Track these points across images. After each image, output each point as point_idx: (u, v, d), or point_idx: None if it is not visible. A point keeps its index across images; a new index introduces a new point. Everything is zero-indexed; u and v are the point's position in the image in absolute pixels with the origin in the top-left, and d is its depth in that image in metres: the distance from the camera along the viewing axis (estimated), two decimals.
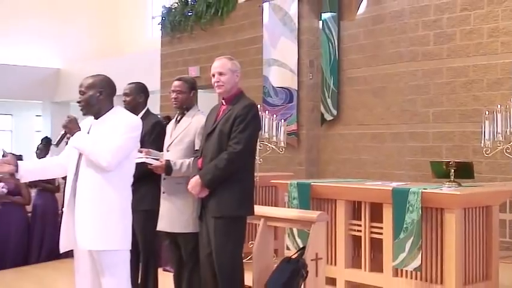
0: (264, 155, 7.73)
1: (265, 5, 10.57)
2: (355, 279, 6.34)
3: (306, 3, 10.07)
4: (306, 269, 5.07)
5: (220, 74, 4.59)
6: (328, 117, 9.70)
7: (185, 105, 5.12)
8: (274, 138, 7.83)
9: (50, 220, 8.46)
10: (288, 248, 6.56)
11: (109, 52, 20.25)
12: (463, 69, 8.16)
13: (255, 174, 5.00)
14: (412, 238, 5.66)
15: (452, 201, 5.57)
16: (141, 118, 4.66)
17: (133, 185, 4.15)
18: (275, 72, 10.32)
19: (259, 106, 4.92)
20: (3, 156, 8.79)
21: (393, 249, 5.82)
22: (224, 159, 4.42)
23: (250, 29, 11.00)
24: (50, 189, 8.70)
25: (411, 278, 5.83)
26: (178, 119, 5.17)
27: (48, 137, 9.54)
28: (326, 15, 9.82)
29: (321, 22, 9.92)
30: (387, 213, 5.95)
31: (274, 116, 8.12)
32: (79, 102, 4.11)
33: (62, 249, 4.13)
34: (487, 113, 6.01)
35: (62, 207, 5.00)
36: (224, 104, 4.64)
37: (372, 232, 6.18)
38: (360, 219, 6.28)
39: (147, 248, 5.47)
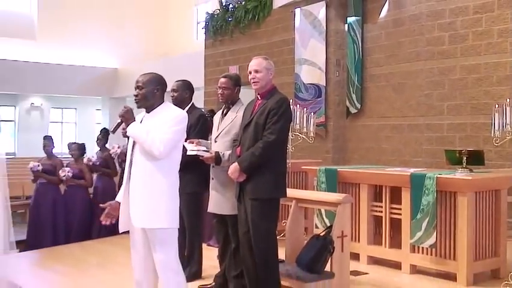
0: (295, 143, 7.73)
1: (297, 11, 10.55)
2: (376, 254, 6.32)
3: (334, 9, 10.01)
4: (333, 245, 5.06)
5: (256, 71, 4.58)
6: (352, 110, 9.65)
7: (230, 100, 5.11)
8: (305, 129, 7.81)
9: (108, 200, 8.53)
10: (316, 227, 6.56)
11: (159, 54, 20.40)
12: (474, 66, 8.03)
13: (287, 161, 4.99)
14: (428, 218, 5.62)
15: (465, 186, 5.52)
16: (187, 112, 4.68)
17: (180, 170, 4.17)
18: (305, 70, 10.30)
19: (291, 101, 4.89)
20: (69, 146, 8.98)
21: (411, 228, 5.79)
22: (259, 148, 4.42)
23: (283, 32, 10.98)
24: (108, 173, 8.82)
25: (427, 254, 5.79)
26: (224, 112, 5.16)
27: (107, 128, 9.66)
28: (351, 19, 9.74)
29: (346, 25, 9.85)
30: (406, 196, 5.91)
31: (305, 109, 8.10)
32: (136, 96, 4.13)
33: (122, 229, 4.16)
34: (496, 106, 5.89)
35: (119, 188, 5.08)
36: (259, 98, 4.63)
37: (391, 213, 6.15)
38: (381, 201, 6.25)
39: (192, 226, 5.51)
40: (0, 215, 3.50)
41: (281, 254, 4.88)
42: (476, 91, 7.99)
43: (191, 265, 5.52)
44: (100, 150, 8.98)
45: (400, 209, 6.02)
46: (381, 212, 6.25)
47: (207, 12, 13.67)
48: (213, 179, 5.07)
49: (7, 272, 3.66)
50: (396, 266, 6.08)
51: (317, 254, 5.04)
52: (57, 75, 19.79)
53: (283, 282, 4.76)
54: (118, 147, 8.43)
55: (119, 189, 8.03)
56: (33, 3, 20.54)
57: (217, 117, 5.25)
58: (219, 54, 12.82)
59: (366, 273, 5.94)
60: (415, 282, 5.69)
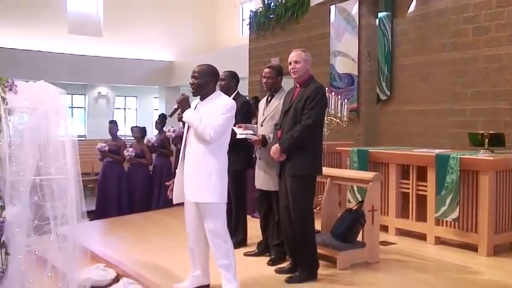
0: (330, 127, 7.68)
1: (332, 7, 10.41)
2: (403, 226, 6.24)
3: (365, 5, 9.83)
4: (364, 218, 5.02)
5: (296, 62, 4.54)
6: (383, 97, 9.49)
7: (274, 88, 5.12)
8: (339, 114, 7.78)
9: (165, 177, 8.66)
10: (349, 201, 6.51)
11: (209, 48, 20.46)
12: (496, 56, 7.76)
13: (323, 142, 4.93)
14: (452, 195, 5.51)
15: (486, 165, 5.38)
16: (233, 99, 4.67)
17: (227, 151, 4.18)
18: (339, 61, 10.20)
19: (326, 89, 4.85)
20: (131, 129, 9.10)
21: (436, 204, 5.69)
22: (298, 131, 4.40)
23: (320, 27, 10.83)
24: (165, 153, 8.92)
25: (450, 227, 5.69)
26: (268, 99, 5.18)
27: (164, 113, 9.74)
28: (381, 14, 9.53)
29: (377, 20, 9.65)
30: (431, 175, 5.80)
31: (339, 96, 8.04)
32: (191, 84, 4.15)
33: (175, 201, 4.24)
34: None
35: (175, 167, 5.09)
36: (298, 87, 4.60)
37: (418, 189, 6.06)
38: (409, 179, 6.16)
39: (237, 199, 5.53)
40: (74, 188, 3.55)
41: (317, 226, 4.86)
42: (498, 79, 7.74)
43: (237, 234, 5.54)
44: (158, 133, 9.08)
45: (426, 186, 5.92)
46: (408, 188, 6.15)
47: (251, 10, 13.62)
48: (260, 159, 5.11)
49: (79, 238, 3.72)
50: (422, 237, 5.99)
51: (350, 226, 5.02)
52: (121, 67, 20.07)
53: (319, 251, 4.75)
54: (173, 131, 8.50)
55: (174, 168, 8.15)
56: (99, 4, 20.80)
57: (262, 104, 5.27)
58: (261, 47, 12.76)
59: (395, 244, 5.87)
60: (439, 252, 5.59)
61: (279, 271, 4.78)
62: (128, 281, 4.55)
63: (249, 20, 13.53)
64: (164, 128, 8.95)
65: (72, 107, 22.44)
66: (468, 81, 8.16)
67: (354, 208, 5.22)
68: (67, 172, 3.54)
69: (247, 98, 7.08)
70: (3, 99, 3.45)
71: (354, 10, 9.93)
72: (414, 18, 9.06)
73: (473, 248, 5.51)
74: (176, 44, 21.41)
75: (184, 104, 4.11)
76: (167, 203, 8.15)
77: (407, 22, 9.19)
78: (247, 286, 4.37)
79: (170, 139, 8.65)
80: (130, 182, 8.74)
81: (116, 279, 4.74)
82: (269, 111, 5.07)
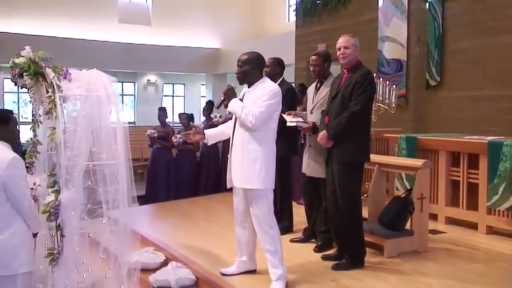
0: (378, 113, 7.56)
1: None
2: (453, 215, 6.10)
3: None
4: (412, 206, 4.95)
5: (346, 47, 4.48)
6: (432, 82, 9.24)
7: (322, 74, 5.09)
8: (387, 100, 7.66)
9: (213, 163, 8.74)
10: (397, 189, 6.43)
11: (255, 34, 20.43)
12: None
13: (371, 129, 4.86)
14: (505, 183, 5.34)
15: None
16: (278, 85, 4.66)
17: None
18: (388, 46, 10.00)
19: (374, 75, 4.75)
20: (179, 116, 9.21)
21: (488, 192, 5.52)
22: (345, 117, 4.35)
23: (367, 12, 10.62)
24: None
25: (503, 216, 5.53)
26: (317, 86, 5.14)
27: (211, 100, 9.81)
28: None
29: (427, 4, 9.39)
30: (483, 162, 5.64)
31: (387, 82, 7.90)
32: (236, 73, 4.18)
33: (228, 185, 4.27)
34: None
35: (223, 153, 5.15)
36: (346, 72, 4.54)
37: (469, 177, 5.91)
38: (459, 167, 6.00)
39: (282, 185, 5.52)
40: (125, 174, 3.63)
41: (364, 213, 4.82)
42: None
43: (283, 220, 5.54)
44: (205, 119, 9.15)
45: (477, 174, 5.76)
46: (459, 176, 6.00)
47: None
48: (310, 146, 5.11)
49: (130, 222, 3.81)
50: (473, 226, 5.84)
51: (398, 214, 4.96)
52: (169, 55, 20.30)
53: (366, 238, 4.70)
54: (220, 117, 8.55)
55: (221, 154, 8.21)
56: None
57: (311, 91, 5.25)
58: (308, 34, 12.62)
59: (444, 233, 5.75)
60: (490, 242, 5.44)
61: (326, 258, 4.77)
62: (177, 265, 4.62)
63: (295, 6, 13.41)
64: (211, 115, 9.02)
65: (122, 95, 22.86)
66: None
67: (402, 196, 5.14)
68: (118, 158, 3.62)
69: (293, 84, 7.05)
70: (58, 86, 3.55)
71: None
72: (467, 1, 8.76)
73: None
74: (223, 31, 21.49)
75: (229, 95, 4.16)
76: (215, 189, 8.28)
77: (458, 6, 8.89)
78: (294, 272, 4.38)
79: (218, 125, 8.69)
80: (178, 167, 8.85)
81: (165, 263, 4.83)
82: (319, 98, 5.04)
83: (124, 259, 3.70)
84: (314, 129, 4.91)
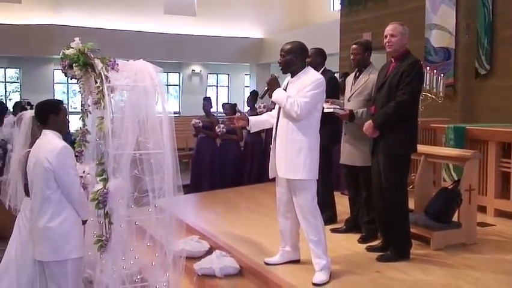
0: (425, 103, 7.40)
1: None
2: (503, 207, 5.93)
3: None
4: (460, 197, 4.83)
5: (392, 35, 4.40)
6: (481, 71, 8.96)
7: (362, 63, 5.06)
8: (434, 89, 7.48)
9: (256, 153, 8.75)
10: (444, 180, 6.29)
11: (299, 24, 20.29)
12: None
13: (418, 119, 4.76)
14: None
15: None
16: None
17: None
18: (435, 34, 9.74)
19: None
20: (223, 106, 9.26)
21: None
22: (392, 107, 4.27)
23: None
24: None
25: None
26: (356, 75, 5.11)
27: (255, 90, 9.81)
28: None
29: None
30: None
31: (434, 71, 7.72)
32: (279, 63, 4.16)
33: (271, 175, 4.28)
34: None
35: (266, 143, 5.16)
36: (393, 61, 4.45)
37: None
38: (510, 158, 5.80)
39: (324, 175, 5.45)
40: (170, 163, 3.67)
41: (411, 204, 4.74)
42: None
43: (326, 211, 5.50)
44: (249, 109, 9.16)
45: None
46: (509, 168, 5.82)
47: None
48: (345, 134, 5.08)
49: (175, 210, 3.86)
50: None
51: (445, 205, 4.86)
52: (213, 45, 20.42)
53: (412, 230, 4.63)
54: (264, 107, 8.55)
55: (265, 144, 8.20)
56: None
57: (349, 80, 5.23)
58: (353, 22, 12.44)
59: (493, 225, 5.59)
60: None
61: (370, 249, 4.71)
62: (221, 253, 4.66)
63: None
64: (255, 105, 9.02)
65: (167, 85, 23.14)
66: None
67: (449, 187, 5.03)
68: (164, 147, 3.66)
69: (337, 74, 6.97)
70: (106, 77, 3.61)
71: None
72: None
73: None
74: (267, 21, 21.44)
75: (273, 85, 4.15)
76: (259, 179, 8.29)
77: None
78: (338, 263, 4.35)
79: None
80: (222, 157, 8.91)
81: (210, 251, 4.88)
82: (357, 86, 5.02)
83: (170, 247, 3.75)
84: (351, 116, 4.87)
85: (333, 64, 6.42)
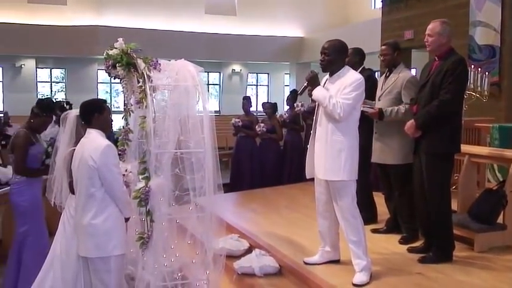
0: (469, 102, 7.21)
1: None
2: None
3: None
4: (505, 199, 4.71)
5: (429, 35, 4.35)
6: None
7: (392, 63, 5.06)
8: (479, 88, 7.29)
9: (296, 152, 8.71)
10: (489, 181, 6.13)
11: (339, 22, 20.13)
12: None
13: (462, 118, 4.66)
14: None
15: None
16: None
17: None
18: (480, 32, 9.50)
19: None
20: (263, 105, 9.25)
21: None
22: (435, 106, 4.19)
23: None
24: (296, 129, 8.95)
25: None
26: (387, 74, 5.11)
27: (295, 89, 9.78)
28: None
29: None
30: None
31: (479, 69, 7.52)
32: (321, 61, 4.12)
33: (308, 176, 4.27)
34: None
35: (305, 143, 5.12)
36: (436, 60, 4.37)
37: None
38: None
39: (361, 175, 5.38)
40: (211, 162, 3.69)
41: (454, 205, 4.63)
42: None
43: (365, 211, 5.43)
44: (289, 108, 9.13)
45: None
46: None
47: None
48: (376, 133, 5.05)
49: (216, 209, 3.88)
50: None
51: (490, 207, 4.74)
52: (253, 45, 20.48)
53: (455, 232, 4.53)
54: (302, 106, 8.51)
55: (305, 143, 8.16)
56: None
57: (380, 79, 5.25)
58: (394, 20, 12.27)
59: None
60: None
61: (412, 250, 4.64)
62: (261, 252, 4.66)
63: None
64: (295, 104, 8.99)
65: (208, 84, 23.32)
66: None
67: (494, 188, 4.90)
68: (205, 146, 3.68)
69: (378, 73, 6.88)
70: (149, 77, 3.66)
71: None
72: None
73: None
74: (307, 19, 21.34)
75: (313, 82, 4.11)
76: (298, 178, 8.25)
77: None
78: (378, 264, 4.29)
79: (300, 115, 8.67)
80: (261, 156, 8.91)
81: (249, 250, 4.89)
82: (387, 85, 5.02)
83: (210, 245, 3.77)
84: (380, 114, 4.83)
85: (374, 63, 6.34)
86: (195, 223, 3.84)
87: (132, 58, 3.77)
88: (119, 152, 4.11)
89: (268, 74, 24.67)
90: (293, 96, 9.16)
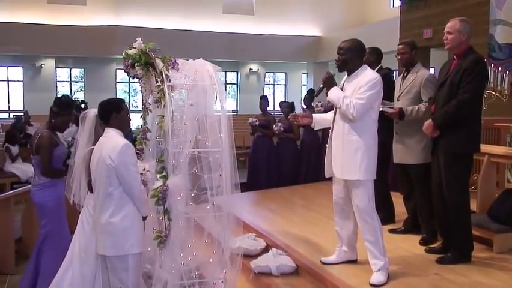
0: (488, 102, 7.13)
1: None
2: None
3: None
4: None
5: (448, 33, 4.30)
6: None
7: (410, 62, 5.03)
8: (498, 87, 7.22)
9: (313, 152, 8.68)
10: (508, 181, 6.06)
11: (357, 22, 20.06)
12: None
13: (481, 118, 4.60)
14: None
15: None
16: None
17: None
18: (500, 30, 9.39)
19: (485, 60, 4.48)
20: (280, 105, 9.23)
21: None
22: (453, 106, 4.16)
23: None
24: (313, 128, 8.89)
25: None
26: (404, 74, 5.07)
27: (313, 88, 9.74)
28: None
29: None
30: None
31: (499, 68, 7.43)
32: (337, 60, 4.12)
33: (326, 175, 4.25)
34: None
35: (322, 142, 5.11)
36: (455, 59, 4.33)
37: None
38: None
39: (381, 174, 5.35)
40: (228, 161, 3.70)
41: (472, 206, 4.58)
42: None
43: (382, 210, 5.40)
44: (306, 108, 9.11)
45: None
46: None
47: None
48: (397, 133, 5.02)
49: (233, 208, 3.89)
50: None
51: (509, 207, 4.69)
52: (271, 44, 20.47)
53: (474, 232, 4.48)
54: (321, 105, 8.48)
55: (322, 142, 8.13)
56: None
57: (398, 79, 5.21)
58: (413, 19, 12.18)
59: None
60: None
61: (430, 251, 4.61)
62: (278, 252, 4.66)
63: None
64: (312, 104, 8.97)
65: (225, 83, 23.37)
66: None
67: None
68: (222, 145, 3.69)
69: (396, 72, 6.84)
70: (167, 76, 3.68)
71: None
72: None
73: None
74: (325, 18, 21.29)
75: (329, 83, 4.12)
76: (316, 178, 8.24)
77: None
78: (396, 264, 4.27)
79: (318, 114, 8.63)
80: (279, 156, 8.90)
81: (266, 249, 4.89)
82: (406, 85, 4.98)
83: (227, 244, 3.78)
84: (401, 114, 4.80)
85: (392, 62, 6.29)
86: (212, 222, 3.85)
87: (150, 58, 3.80)
88: (137, 151, 4.14)
89: (285, 73, 24.66)
90: (310, 95, 9.13)
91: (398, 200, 5.65)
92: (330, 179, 4.27)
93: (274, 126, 8.68)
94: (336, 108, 4.12)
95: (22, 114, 14.57)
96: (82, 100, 13.26)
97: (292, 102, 9.29)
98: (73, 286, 3.97)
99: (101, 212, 3.58)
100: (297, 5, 20.94)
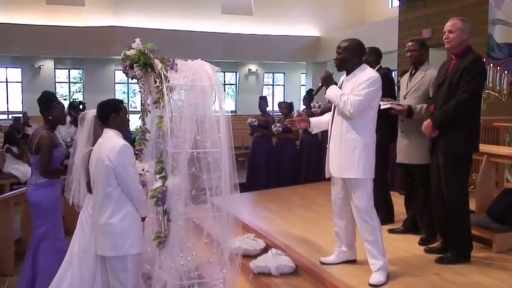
0: (487, 101, 7.14)
1: None
2: None
3: None
4: None
5: (450, 31, 4.29)
6: None
7: (419, 60, 4.99)
8: (497, 87, 7.22)
9: (312, 152, 8.68)
10: (507, 181, 6.06)
11: (356, 22, 20.08)
12: None
13: (480, 117, 4.61)
14: None
15: None
16: None
17: None
18: (499, 30, 9.42)
19: (484, 60, 4.48)
20: (279, 105, 9.24)
21: None
22: (452, 105, 4.16)
23: None
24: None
25: None
26: (412, 72, 5.04)
27: (312, 88, 9.74)
28: None
29: None
30: None
31: (498, 68, 7.44)
32: (335, 60, 4.12)
33: (327, 175, 4.24)
34: None
35: (322, 142, 5.11)
36: (454, 58, 4.33)
37: None
38: None
39: (380, 173, 5.36)
40: (227, 161, 3.70)
41: (472, 205, 4.59)
42: None
43: (382, 210, 5.40)
44: (305, 108, 9.11)
45: None
46: None
47: None
48: (402, 132, 4.97)
49: (232, 208, 3.89)
50: None
51: (508, 207, 4.68)
52: (270, 44, 20.47)
53: (473, 232, 4.49)
54: (319, 106, 8.49)
55: (321, 143, 8.14)
56: None
57: (405, 77, 5.16)
58: (412, 19, 12.19)
59: None
60: None
61: (429, 250, 4.61)
62: (277, 252, 4.67)
63: None
64: (311, 104, 8.97)
65: (224, 84, 23.37)
66: None
67: None
68: (221, 146, 3.70)
69: (395, 72, 6.84)
70: (166, 77, 3.69)
71: None
72: None
73: None
74: (323, 19, 21.30)
75: (327, 82, 4.13)
76: (315, 178, 8.24)
77: None
78: (395, 264, 4.27)
79: (316, 115, 8.64)
80: (278, 156, 8.90)
81: (265, 250, 4.89)
82: (413, 83, 4.96)
83: (226, 245, 3.79)
84: (409, 112, 4.78)
85: (391, 62, 6.31)
86: (212, 222, 3.86)
87: (149, 58, 3.81)
88: (136, 152, 4.15)
89: (284, 73, 24.66)
90: (309, 95, 9.13)
91: (397, 200, 5.66)
92: (330, 179, 4.27)
93: (273, 126, 8.69)
94: (334, 107, 4.12)
95: (21, 115, 14.56)
96: (80, 101, 13.24)
97: (291, 103, 9.30)
98: (72, 286, 3.97)
99: (100, 213, 3.59)
100: (296, 5, 20.96)
